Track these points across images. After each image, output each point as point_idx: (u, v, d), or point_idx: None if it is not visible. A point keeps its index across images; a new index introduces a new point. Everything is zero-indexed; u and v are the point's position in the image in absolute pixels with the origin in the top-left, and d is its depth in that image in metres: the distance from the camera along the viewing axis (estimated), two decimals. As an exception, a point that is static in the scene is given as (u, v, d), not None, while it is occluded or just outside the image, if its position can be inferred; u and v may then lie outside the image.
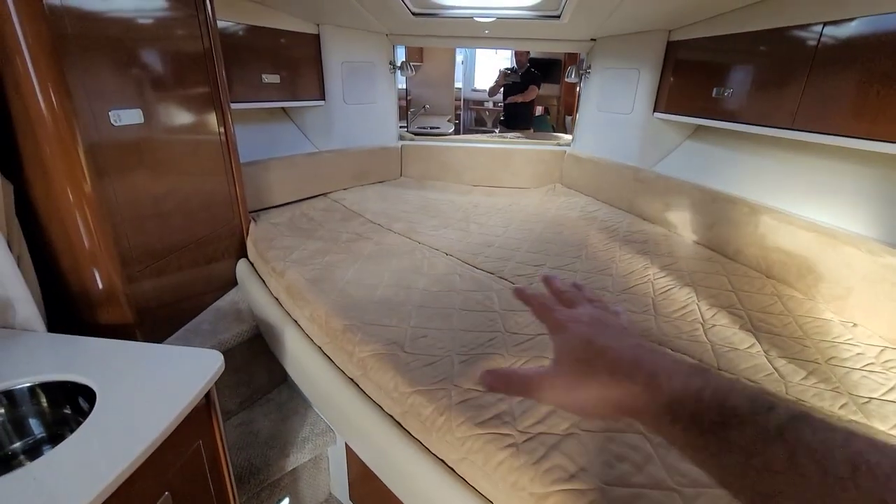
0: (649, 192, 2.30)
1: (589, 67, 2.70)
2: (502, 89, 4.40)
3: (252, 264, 1.83)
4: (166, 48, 1.44)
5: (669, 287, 1.57)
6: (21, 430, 0.95)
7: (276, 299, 1.58)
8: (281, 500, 1.59)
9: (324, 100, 2.60)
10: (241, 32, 2.05)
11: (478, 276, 1.61)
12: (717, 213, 1.91)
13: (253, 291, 1.67)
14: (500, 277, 1.62)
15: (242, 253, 1.90)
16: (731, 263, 1.78)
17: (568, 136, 4.45)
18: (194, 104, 1.59)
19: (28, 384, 0.94)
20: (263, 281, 1.70)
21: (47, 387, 0.95)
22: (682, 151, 2.41)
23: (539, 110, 8.12)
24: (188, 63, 1.54)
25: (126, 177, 1.31)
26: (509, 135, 4.07)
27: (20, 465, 0.93)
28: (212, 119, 1.67)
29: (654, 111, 2.40)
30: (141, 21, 1.34)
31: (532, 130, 4.53)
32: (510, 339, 1.23)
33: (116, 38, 1.25)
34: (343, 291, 1.45)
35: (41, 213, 1.18)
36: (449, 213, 2.33)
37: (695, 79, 2.12)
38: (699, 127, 2.34)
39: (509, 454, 0.85)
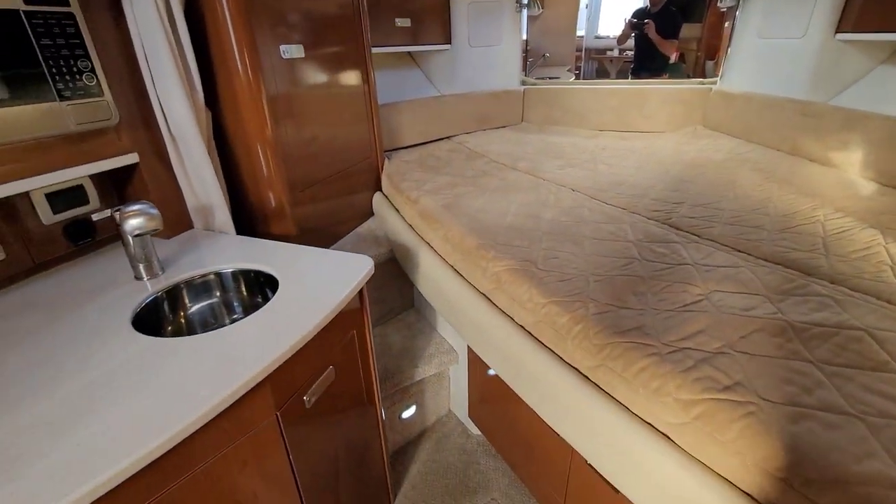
0: (820, 128, 1.95)
1: (751, -15, 2.32)
2: (633, 36, 3.95)
3: (387, 197, 1.97)
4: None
5: (846, 228, 1.34)
6: (230, 307, 1.19)
7: (410, 226, 1.69)
8: (409, 406, 1.77)
9: (450, 44, 2.62)
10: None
11: (608, 211, 1.54)
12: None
13: (389, 219, 1.82)
14: (634, 212, 1.53)
15: (377, 188, 2.06)
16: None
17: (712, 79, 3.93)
18: (344, 51, 1.72)
19: (231, 269, 1.16)
20: (397, 211, 1.83)
21: (245, 274, 1.16)
22: (871, 81, 1.98)
23: (674, 57, 7.25)
24: (340, 14, 1.66)
25: (291, 121, 1.48)
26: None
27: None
28: (358, 67, 1.80)
29: (836, 32, 1.99)
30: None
31: (668, 77, 4.04)
32: (648, 267, 1.17)
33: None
34: (474, 217, 1.50)
35: (232, 141, 1.40)
36: (574, 154, 2.24)
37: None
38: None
39: (652, 362, 0.83)
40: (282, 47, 1.40)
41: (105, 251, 1.24)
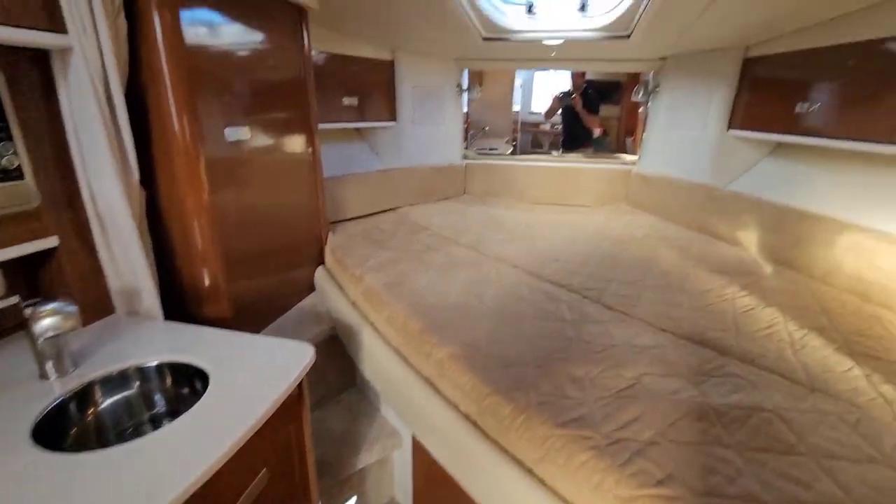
0: (724, 211, 2.22)
1: (657, 86, 2.68)
2: (560, 111, 4.39)
3: (330, 272, 1.95)
4: (271, 76, 1.62)
5: (752, 307, 1.50)
6: (150, 403, 1.08)
7: (354, 304, 1.67)
8: (349, 497, 1.65)
9: (395, 121, 2.76)
10: (325, 60, 2.25)
11: (546, 288, 1.63)
12: (803, 232, 1.81)
13: (332, 296, 1.79)
14: (570, 290, 1.63)
15: (321, 261, 2.03)
16: (821, 286, 1.67)
17: (632, 157, 4.38)
18: (290, 125, 1.76)
19: (156, 362, 1.07)
20: (341, 288, 1.81)
21: (172, 367, 1.08)
22: (760, 170, 2.31)
23: (597, 132, 8.05)
24: (287, 88, 1.72)
25: (233, 189, 1.47)
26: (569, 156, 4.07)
27: (147, 433, 1.06)
28: (303, 138, 1.84)
29: (728, 128, 2.34)
30: (253, 55, 1.52)
31: (593, 150, 4.47)
32: (584, 349, 1.23)
33: (233, 69, 1.43)
34: (418, 296, 1.52)
35: (165, 216, 1.35)
36: (513, 228, 2.37)
37: (776, 94, 2.05)
38: (779, 144, 2.24)
39: (593, 455, 0.86)
40: (227, 130, 1.41)
41: (4, 342, 1.10)
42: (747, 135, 2.24)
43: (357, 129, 2.85)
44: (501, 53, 2.73)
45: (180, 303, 1.44)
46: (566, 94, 4.33)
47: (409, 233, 2.26)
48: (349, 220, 2.45)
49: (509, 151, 5.57)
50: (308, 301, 1.91)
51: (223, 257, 1.42)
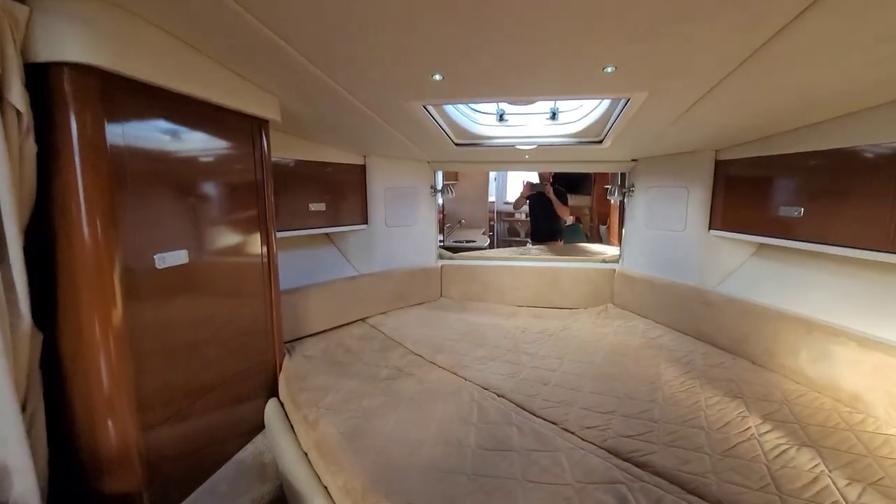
0: (720, 316, 2.06)
1: (632, 186, 2.67)
2: (527, 203, 4.38)
3: (283, 405, 1.65)
4: (221, 186, 1.46)
5: (782, 446, 1.26)
6: None
7: (306, 455, 1.36)
8: None
9: (366, 224, 2.64)
10: (292, 165, 2.14)
11: (538, 428, 1.36)
12: (817, 346, 1.63)
13: (281, 441, 1.47)
14: (565, 429, 1.37)
15: (274, 391, 1.73)
16: (853, 414, 1.45)
17: (610, 249, 4.34)
18: (241, 236, 1.57)
19: None
20: (292, 428, 1.50)
21: None
22: (748, 270, 2.21)
23: (570, 220, 8.23)
24: (239, 197, 1.55)
25: (157, 309, 1.22)
26: (534, 248, 4.01)
27: None
28: (256, 249, 1.64)
29: (709, 228, 2.27)
30: (200, 166, 1.37)
31: (561, 242, 4.42)
32: (596, 533, 0.95)
33: (171, 176, 1.25)
34: (383, 451, 1.23)
35: (65, 357, 1.09)
36: (495, 340, 2.14)
37: (749, 196, 2.01)
38: (762, 244, 2.17)
39: None
40: (157, 256, 1.20)
41: None
42: (729, 234, 2.17)
43: (327, 234, 2.70)
44: (475, 157, 2.71)
45: (79, 475, 1.12)
46: (535, 185, 4.34)
47: (378, 351, 2.00)
48: (313, 335, 2.19)
49: (486, 244, 5.54)
50: (254, 447, 1.57)
51: (136, 402, 1.13)
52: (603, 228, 7.53)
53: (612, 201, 2.86)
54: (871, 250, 1.47)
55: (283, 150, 2.08)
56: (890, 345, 1.42)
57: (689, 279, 2.33)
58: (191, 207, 1.33)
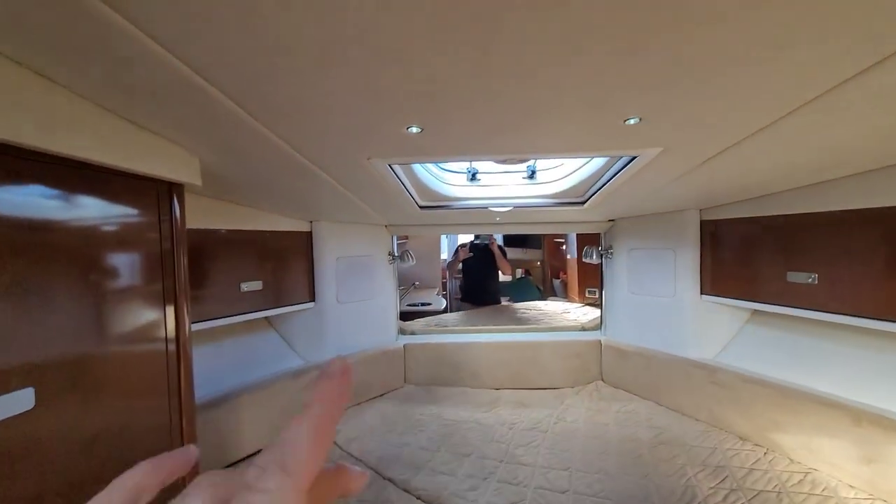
0: (737, 400, 1.78)
1: (610, 248, 2.46)
2: (461, 265, 4.08)
3: None
4: (108, 267, 1.00)
5: None
6: None
7: None
8: None
9: (314, 301, 2.20)
10: (218, 238, 1.71)
11: None
12: (869, 442, 1.37)
13: None
14: None
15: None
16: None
17: (573, 306, 4.11)
18: (138, 325, 1.09)
19: None
20: None
21: None
22: (745, 340, 2.01)
23: (519, 272, 8.09)
24: (140, 275, 1.09)
25: None
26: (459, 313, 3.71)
27: None
28: (154, 354, 1.16)
29: (701, 294, 2.08)
30: (99, 230, 0.92)
31: (511, 297, 4.14)
32: None
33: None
34: None
35: None
36: (482, 446, 1.72)
37: (737, 258, 1.85)
38: (756, 311, 1.99)
39: None
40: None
41: None
42: (721, 300, 1.98)
43: (267, 318, 2.22)
44: (441, 220, 2.40)
45: None
46: (476, 239, 3.96)
47: (334, 479, 1.51)
48: (245, 458, 1.66)
49: (443, 305, 5.16)
50: None
51: None
52: (557, 283, 7.44)
53: (589, 262, 2.61)
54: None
55: (208, 217, 1.65)
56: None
57: (684, 350, 2.09)
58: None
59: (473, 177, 1.95)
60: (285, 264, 2.05)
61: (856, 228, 1.43)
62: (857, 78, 0.73)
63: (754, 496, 1.34)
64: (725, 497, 1.34)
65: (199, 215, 1.59)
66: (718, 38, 0.61)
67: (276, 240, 2.00)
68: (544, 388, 2.37)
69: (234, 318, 1.79)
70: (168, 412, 1.18)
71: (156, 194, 1.16)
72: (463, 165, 1.95)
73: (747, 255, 1.83)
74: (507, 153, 1.24)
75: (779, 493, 1.35)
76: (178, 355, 1.20)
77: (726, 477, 1.45)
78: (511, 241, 7.86)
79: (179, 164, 1.16)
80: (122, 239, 1.06)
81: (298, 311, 2.14)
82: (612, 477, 1.47)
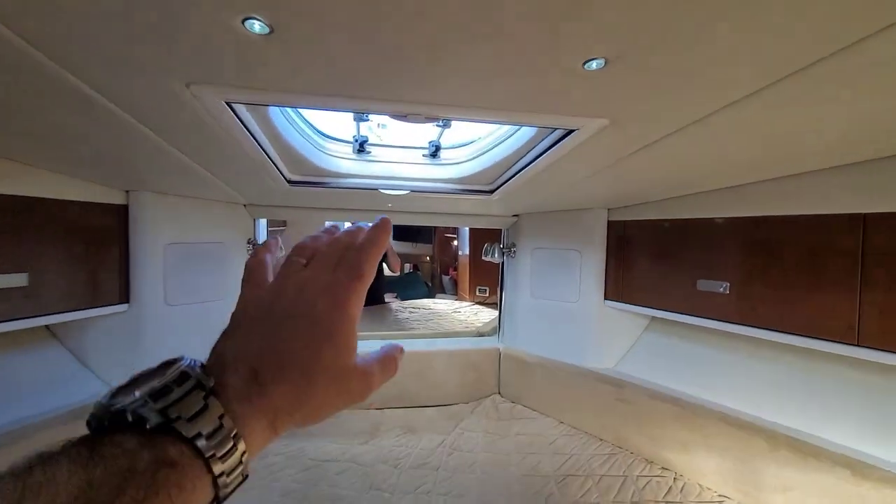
0: (644, 419, 1.63)
1: (513, 245, 2.23)
2: None
3: None
4: None
5: None
6: None
7: None
8: None
9: (127, 303, 1.56)
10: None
11: None
12: (787, 470, 1.27)
13: None
14: None
15: None
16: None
17: (464, 305, 3.90)
18: None
19: None
20: None
21: None
22: (644, 348, 1.91)
23: (407, 268, 7.79)
24: None
25: None
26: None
27: None
28: None
29: (605, 299, 1.93)
30: None
31: (384, 304, 3.86)
32: None
33: None
34: None
35: None
36: (356, 499, 1.31)
37: (654, 264, 1.73)
38: (654, 318, 1.91)
39: None
40: None
41: None
42: (622, 306, 1.86)
43: (47, 328, 1.52)
44: (318, 201, 1.92)
45: None
46: None
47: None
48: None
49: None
50: None
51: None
52: (446, 278, 7.29)
53: (491, 261, 2.35)
54: (827, 340, 1.21)
55: None
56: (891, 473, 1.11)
57: (585, 360, 1.93)
58: None
59: (362, 147, 1.52)
60: (77, 249, 1.39)
61: (773, 234, 1.33)
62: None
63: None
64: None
65: None
66: None
67: (62, 212, 1.34)
68: (436, 406, 2.04)
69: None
70: None
71: None
72: (349, 131, 1.51)
73: (656, 259, 1.71)
74: (408, 102, 0.84)
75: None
76: None
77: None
78: (401, 233, 7.50)
79: None
80: None
81: (100, 316, 1.49)
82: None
